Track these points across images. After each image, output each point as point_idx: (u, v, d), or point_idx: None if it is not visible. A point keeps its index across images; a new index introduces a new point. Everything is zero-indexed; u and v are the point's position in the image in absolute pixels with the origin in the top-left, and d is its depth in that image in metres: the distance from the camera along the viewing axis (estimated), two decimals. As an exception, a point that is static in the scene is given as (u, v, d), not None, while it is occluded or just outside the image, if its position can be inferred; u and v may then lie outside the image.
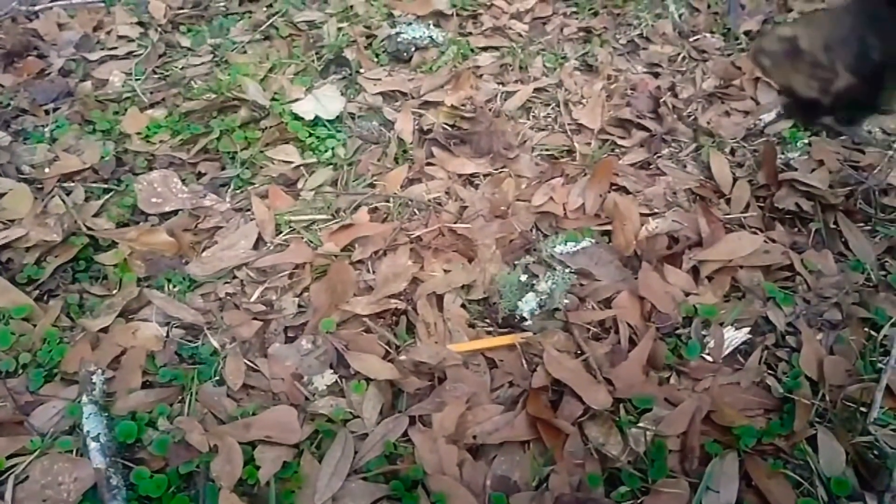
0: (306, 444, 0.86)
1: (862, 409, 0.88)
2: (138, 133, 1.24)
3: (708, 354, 0.98)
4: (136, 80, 1.35)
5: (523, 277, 1.04)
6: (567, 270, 1.05)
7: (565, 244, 1.09)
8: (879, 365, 0.94)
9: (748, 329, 1.00)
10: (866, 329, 1.00)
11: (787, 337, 0.99)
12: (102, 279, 1.03)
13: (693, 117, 1.32)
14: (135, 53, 1.40)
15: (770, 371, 0.95)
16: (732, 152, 1.28)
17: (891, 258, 1.11)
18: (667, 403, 0.91)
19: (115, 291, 1.01)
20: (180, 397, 0.90)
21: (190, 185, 1.15)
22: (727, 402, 0.91)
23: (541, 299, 1.00)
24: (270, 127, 1.24)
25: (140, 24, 1.47)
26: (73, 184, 1.15)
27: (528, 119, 1.31)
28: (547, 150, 1.25)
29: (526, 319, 0.99)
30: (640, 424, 0.88)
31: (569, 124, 1.29)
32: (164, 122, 1.26)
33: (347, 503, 0.82)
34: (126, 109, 1.29)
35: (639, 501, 0.82)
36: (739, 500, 0.83)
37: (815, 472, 0.85)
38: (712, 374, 0.94)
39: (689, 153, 1.27)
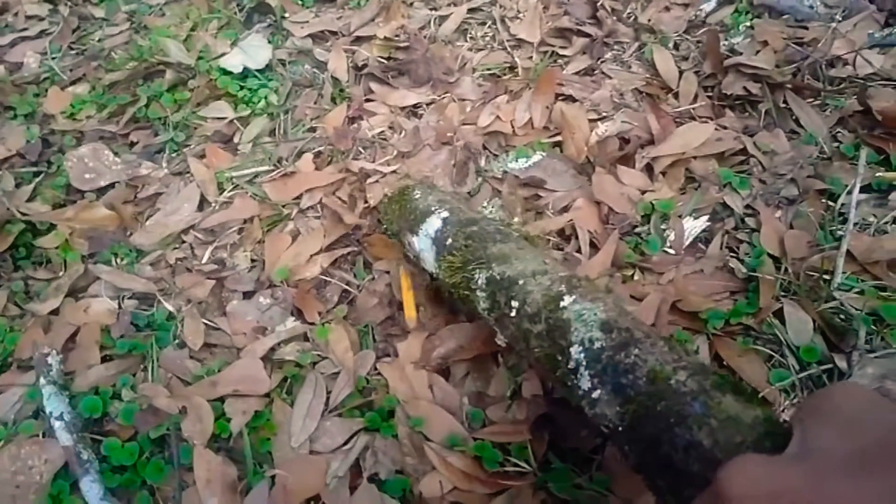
0: (276, 391, 0.85)
1: (825, 276, 0.88)
2: (62, 112, 1.19)
3: (669, 247, 0.97)
4: (53, 58, 1.28)
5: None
6: (510, 193, 1.02)
7: (517, 161, 1.07)
8: (839, 233, 0.93)
9: (707, 217, 0.99)
10: (824, 200, 0.99)
11: (746, 219, 0.98)
12: (46, 263, 1.00)
13: (633, 17, 1.29)
14: (47, 32, 1.33)
15: (732, 254, 0.95)
16: (676, 46, 1.25)
17: (842, 129, 1.10)
18: (632, 300, 0.91)
19: (60, 273, 0.98)
20: (142, 366, 0.88)
21: (123, 156, 1.11)
22: (692, 289, 0.91)
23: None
24: (199, 86, 1.19)
25: (48, 0, 1.39)
26: (0, 172, 1.10)
27: (466, 41, 1.26)
28: (488, 69, 1.21)
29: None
30: (608, 323, 0.87)
31: (507, 41, 1.25)
32: (87, 97, 1.21)
33: (325, 442, 0.81)
34: (46, 90, 1.23)
35: (614, 397, 0.82)
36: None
37: (785, 343, 0.85)
38: (675, 266, 0.94)
39: (633, 53, 1.24)
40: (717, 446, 0.42)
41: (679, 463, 0.44)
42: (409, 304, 0.89)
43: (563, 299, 0.60)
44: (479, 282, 0.70)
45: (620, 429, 0.50)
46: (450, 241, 0.76)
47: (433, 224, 0.80)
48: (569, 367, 0.56)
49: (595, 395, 0.53)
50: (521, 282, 0.65)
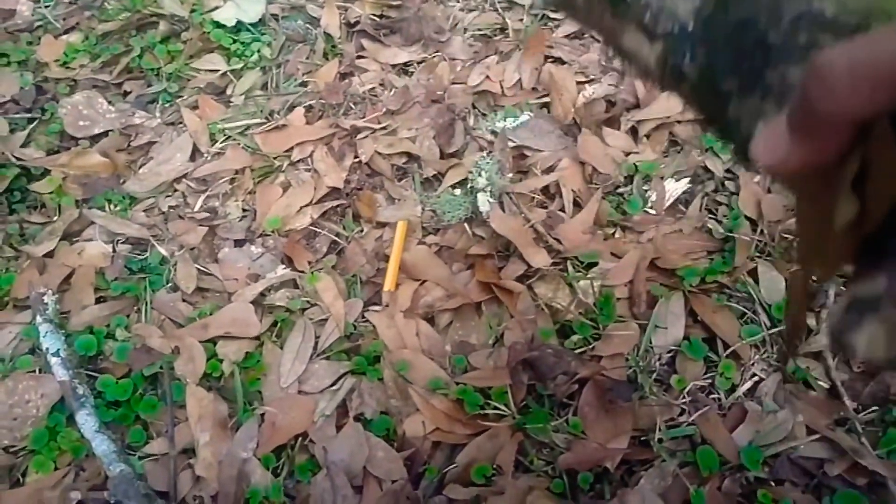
0: (266, 335, 0.88)
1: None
2: (56, 60, 1.19)
3: (651, 208, 1.00)
4: (46, 6, 1.28)
5: (457, 192, 1.02)
6: (502, 150, 1.04)
7: (505, 120, 1.09)
8: (815, 198, 0.97)
9: (688, 179, 1.02)
10: (802, 167, 1.02)
11: (725, 183, 1.02)
12: (41, 207, 1.01)
13: (625, -18, 1.30)
14: (39, -21, 1.33)
15: (711, 215, 0.98)
16: (666, 13, 1.26)
17: (824, 99, 1.12)
18: (613, 257, 0.94)
19: (55, 217, 1.00)
20: (136, 307, 0.91)
21: (117, 105, 1.12)
22: (671, 248, 0.94)
23: (489, 192, 0.99)
24: (192, 38, 1.19)
25: (40, -53, 1.38)
26: (-5, 118, 1.11)
27: (457, 1, 1.27)
28: (479, 29, 1.22)
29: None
30: (589, 276, 0.91)
31: (499, 2, 1.26)
32: (81, 46, 1.21)
33: (313, 383, 0.84)
34: (39, 38, 1.22)
35: (591, 347, 0.86)
36: (686, 335, 0.87)
37: (757, 300, 0.89)
38: (655, 225, 0.97)
39: (623, 19, 1.25)
40: (847, 12, 0.31)
41: (777, 37, 0.33)
42: (393, 270, 0.91)
43: None
44: None
45: (690, 28, 0.39)
46: None
47: None
48: None
49: None
50: None
